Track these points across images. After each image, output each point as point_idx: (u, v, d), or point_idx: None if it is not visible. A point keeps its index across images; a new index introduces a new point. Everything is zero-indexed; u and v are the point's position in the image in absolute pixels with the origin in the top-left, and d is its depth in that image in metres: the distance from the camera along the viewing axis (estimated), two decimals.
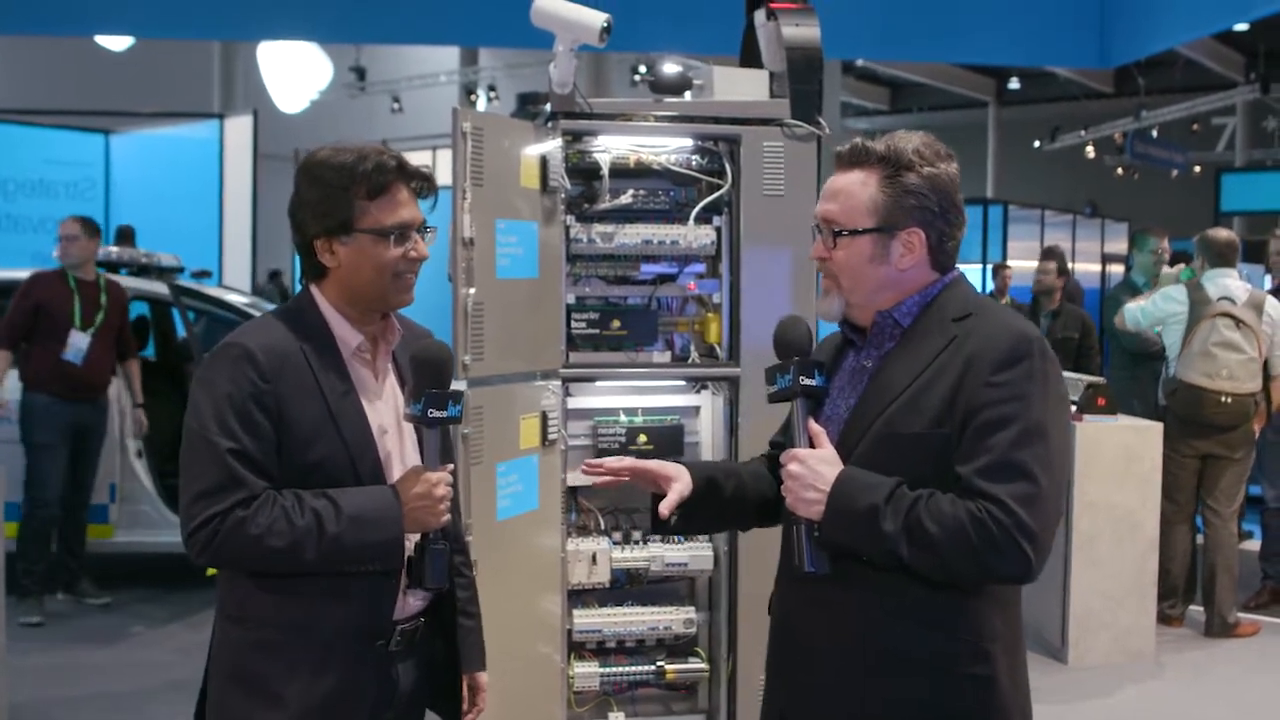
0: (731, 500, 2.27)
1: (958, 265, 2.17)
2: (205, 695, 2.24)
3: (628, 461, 2.27)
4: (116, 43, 15.55)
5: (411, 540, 2.17)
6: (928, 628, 2.00)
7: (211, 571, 2.18)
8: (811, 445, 2.06)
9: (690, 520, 2.24)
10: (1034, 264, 13.27)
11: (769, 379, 2.14)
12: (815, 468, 2.01)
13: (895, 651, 2.00)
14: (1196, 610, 6.19)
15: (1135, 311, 6.25)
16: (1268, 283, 7.16)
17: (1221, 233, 6.17)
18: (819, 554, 2.01)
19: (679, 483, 2.20)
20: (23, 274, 6.31)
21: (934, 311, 2.08)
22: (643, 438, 3.64)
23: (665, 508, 2.17)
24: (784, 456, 2.07)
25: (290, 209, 2.22)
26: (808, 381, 2.09)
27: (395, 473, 2.21)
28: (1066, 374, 6.26)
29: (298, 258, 2.29)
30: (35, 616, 5.94)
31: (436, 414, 2.13)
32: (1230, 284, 5.97)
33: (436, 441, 2.18)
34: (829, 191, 2.14)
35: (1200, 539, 6.27)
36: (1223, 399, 5.81)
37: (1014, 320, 2.05)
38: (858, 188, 2.09)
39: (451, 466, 2.21)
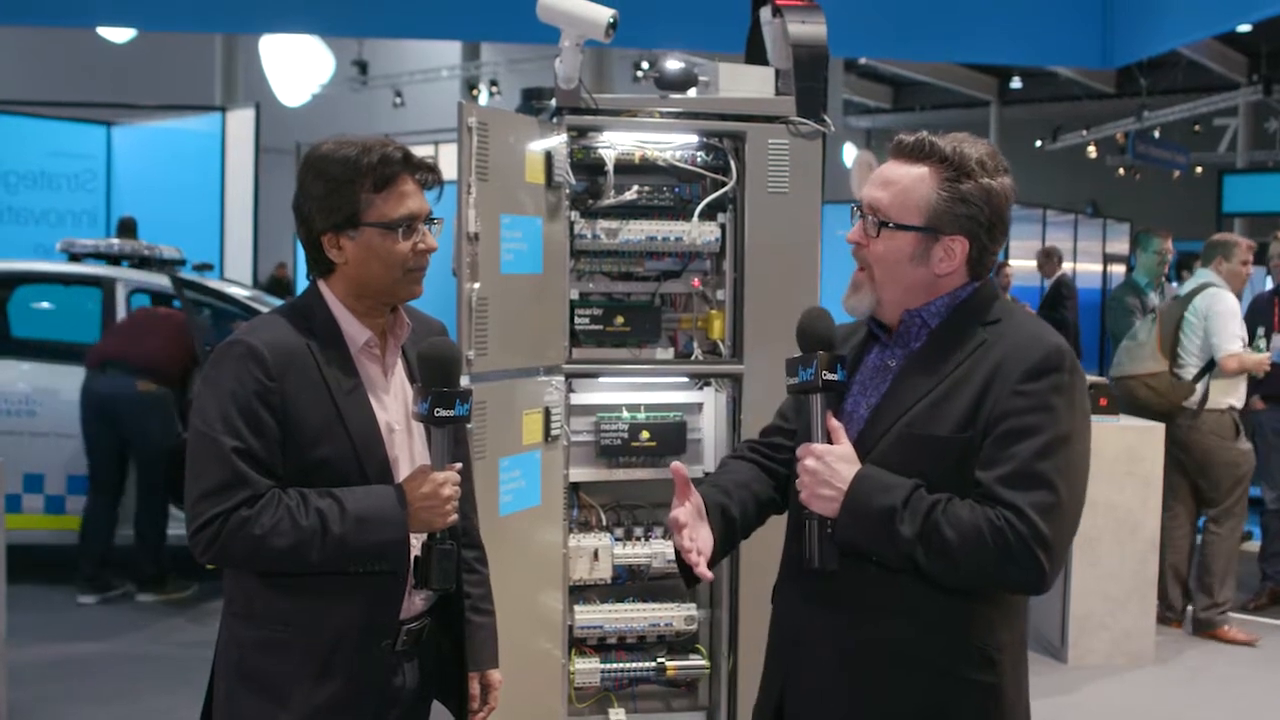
0: (741, 521, 2.22)
1: None
2: (212, 691, 2.23)
3: (691, 504, 2.14)
4: (118, 34, 15.51)
5: (418, 540, 2.16)
6: (935, 631, 1.98)
7: (210, 566, 2.17)
8: (829, 441, 2.03)
9: (717, 559, 2.18)
10: (1034, 264, 13.25)
11: (790, 370, 2.09)
12: (832, 465, 1.99)
13: (900, 652, 1.99)
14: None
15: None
16: (1269, 284, 7.15)
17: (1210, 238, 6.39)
18: (829, 550, 2.00)
19: (702, 538, 2.12)
20: (24, 265, 6.31)
21: (962, 314, 2.05)
22: (645, 434, 3.63)
23: (703, 570, 2.09)
24: (800, 450, 2.04)
25: (295, 204, 2.20)
26: (830, 376, 2.05)
27: (404, 470, 2.19)
28: None
29: (302, 253, 2.28)
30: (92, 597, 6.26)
31: (443, 413, 2.11)
32: (1188, 283, 6.19)
33: (443, 441, 2.15)
34: (881, 179, 2.08)
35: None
36: (1110, 384, 6.09)
37: (1044, 330, 2.03)
38: (913, 182, 2.03)
39: (459, 465, 2.19)
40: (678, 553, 2.15)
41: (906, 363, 2.06)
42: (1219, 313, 5.84)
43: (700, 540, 2.11)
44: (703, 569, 2.09)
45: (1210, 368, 5.85)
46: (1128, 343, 6.21)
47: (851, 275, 2.12)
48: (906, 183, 2.04)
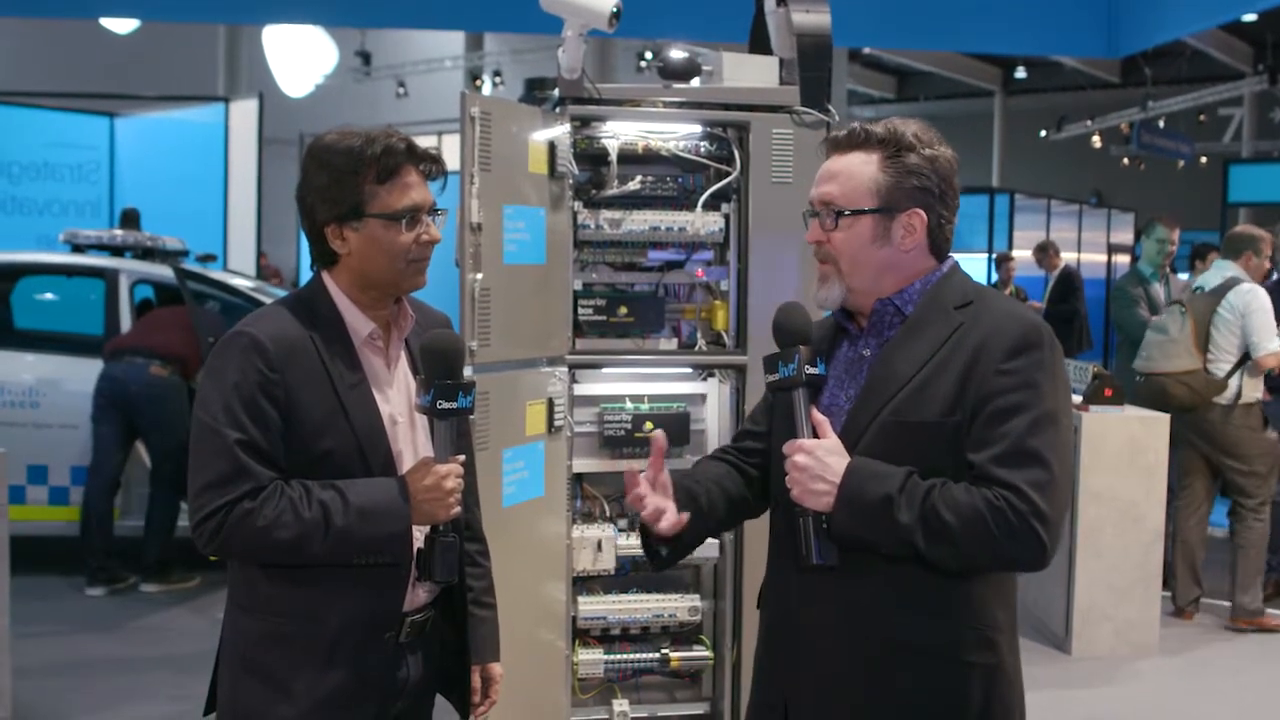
0: (709, 512, 2.21)
1: (964, 253, 2.15)
2: (216, 682, 2.23)
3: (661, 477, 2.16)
4: (121, 25, 15.50)
5: (421, 532, 2.15)
6: (934, 617, 1.99)
7: (213, 558, 2.17)
8: (814, 435, 2.03)
9: (681, 541, 2.18)
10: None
11: (769, 367, 2.09)
12: (823, 459, 1.98)
13: (902, 641, 1.99)
14: (1209, 603, 6.18)
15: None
16: (1273, 276, 7.14)
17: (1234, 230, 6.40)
18: (827, 545, 1.99)
19: (669, 510, 2.12)
20: (27, 256, 6.31)
21: (935, 299, 2.07)
22: (649, 425, 3.63)
23: (668, 526, 2.09)
24: (788, 447, 2.03)
25: (298, 195, 2.19)
26: (812, 370, 2.05)
27: (407, 463, 2.19)
28: (1068, 363, 6.32)
29: (307, 243, 2.27)
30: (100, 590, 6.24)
31: (446, 405, 2.11)
32: (1208, 276, 6.16)
33: (446, 433, 2.15)
34: (827, 173, 2.12)
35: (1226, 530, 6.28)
36: (1137, 379, 6.07)
37: (1018, 309, 2.05)
38: (858, 168, 2.07)
39: (463, 458, 2.18)
40: (642, 529, 2.17)
41: (884, 351, 2.07)
42: (1257, 310, 5.85)
43: (668, 511, 2.10)
44: (665, 522, 2.08)
45: (1243, 363, 5.84)
46: (1158, 337, 6.08)
47: (817, 270, 2.14)
48: (852, 169, 2.08)
